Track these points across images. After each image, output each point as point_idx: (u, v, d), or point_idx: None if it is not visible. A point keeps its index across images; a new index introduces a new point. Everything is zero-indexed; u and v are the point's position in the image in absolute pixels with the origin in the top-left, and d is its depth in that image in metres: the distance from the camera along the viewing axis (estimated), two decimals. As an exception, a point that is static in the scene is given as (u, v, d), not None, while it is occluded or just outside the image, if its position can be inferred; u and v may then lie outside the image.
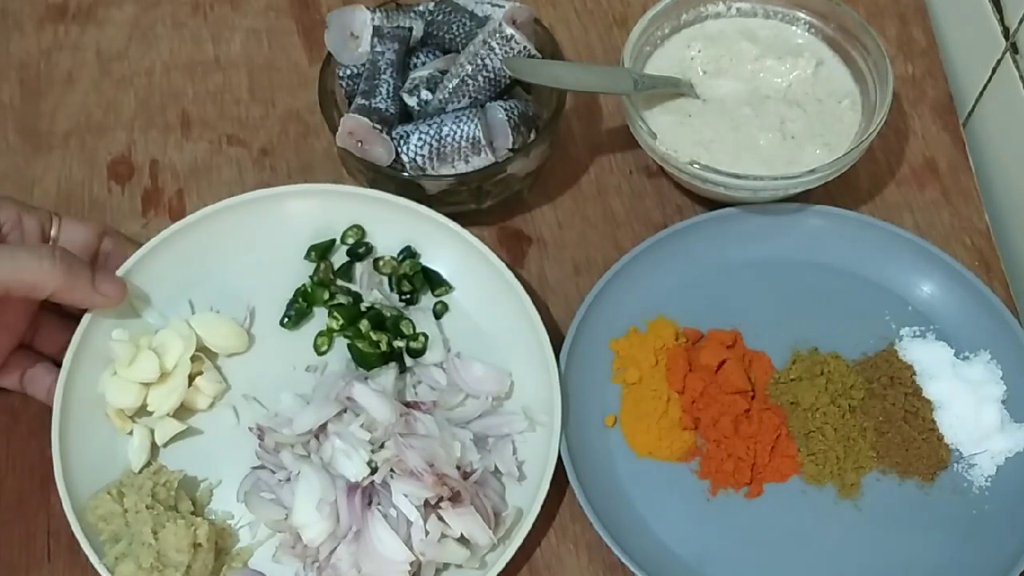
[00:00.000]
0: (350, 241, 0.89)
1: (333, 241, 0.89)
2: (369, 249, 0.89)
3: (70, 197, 0.96)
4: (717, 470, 0.83)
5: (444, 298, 0.88)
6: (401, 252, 0.89)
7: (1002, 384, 0.85)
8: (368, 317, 0.86)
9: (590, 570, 0.82)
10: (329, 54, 0.91)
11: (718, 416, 0.84)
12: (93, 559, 0.76)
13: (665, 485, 0.83)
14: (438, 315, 0.88)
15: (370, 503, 0.78)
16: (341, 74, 0.91)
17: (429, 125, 0.87)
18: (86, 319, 0.82)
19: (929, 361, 0.86)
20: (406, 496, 0.77)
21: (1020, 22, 0.94)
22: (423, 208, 0.87)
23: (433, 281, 0.89)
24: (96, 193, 0.96)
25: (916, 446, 0.84)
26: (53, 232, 0.83)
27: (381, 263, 0.89)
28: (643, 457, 0.84)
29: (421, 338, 0.86)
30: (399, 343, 0.86)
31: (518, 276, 0.85)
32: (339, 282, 0.89)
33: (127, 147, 0.99)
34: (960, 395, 0.85)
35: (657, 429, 0.85)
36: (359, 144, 0.87)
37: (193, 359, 0.84)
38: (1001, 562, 0.79)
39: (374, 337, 0.85)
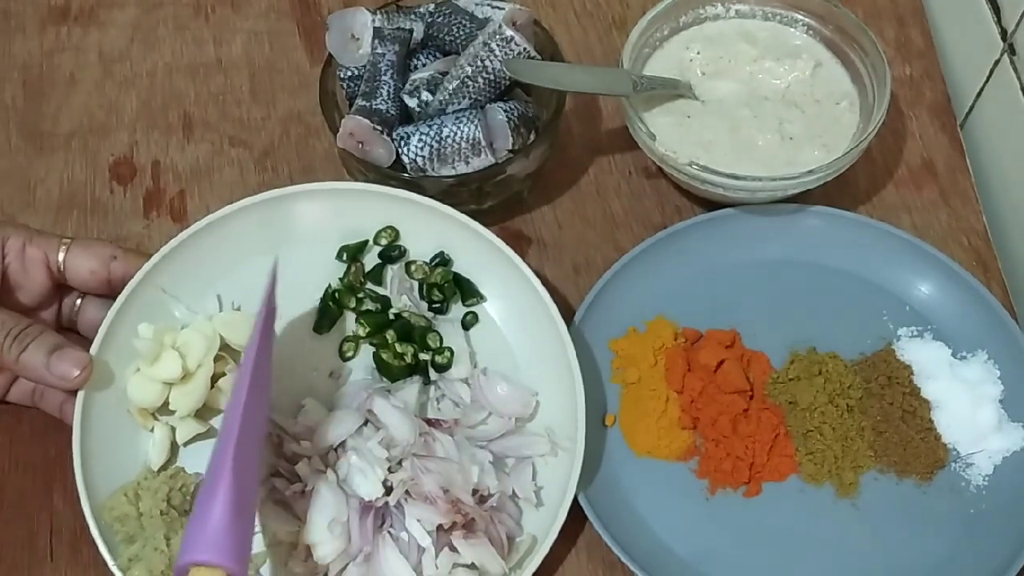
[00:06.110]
0: (383, 242, 0.87)
1: (366, 242, 0.87)
2: (402, 252, 0.87)
3: (72, 198, 0.96)
4: (716, 469, 0.83)
5: (474, 308, 0.87)
6: (434, 258, 0.87)
7: (999, 384, 0.86)
8: (395, 327, 0.85)
9: (589, 569, 0.82)
10: (330, 56, 0.91)
11: (717, 416, 0.85)
12: (108, 559, 0.76)
13: (664, 484, 0.83)
14: (467, 326, 0.86)
15: (382, 524, 0.78)
16: (342, 76, 0.91)
17: (429, 126, 0.87)
18: (113, 311, 0.81)
19: (927, 361, 0.87)
20: (419, 521, 0.76)
21: (1017, 24, 0.95)
22: (459, 214, 0.85)
23: (464, 290, 0.86)
24: (98, 194, 0.97)
25: (914, 445, 0.84)
26: (60, 257, 0.82)
27: (413, 267, 0.86)
28: (642, 456, 0.84)
29: (447, 352, 0.84)
30: (425, 356, 0.84)
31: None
32: (369, 285, 0.87)
33: (129, 148, 0.99)
34: (958, 395, 0.85)
35: (656, 428, 0.85)
36: (360, 145, 0.87)
37: (217, 359, 0.83)
38: (998, 561, 0.79)
39: (399, 349, 0.84)
